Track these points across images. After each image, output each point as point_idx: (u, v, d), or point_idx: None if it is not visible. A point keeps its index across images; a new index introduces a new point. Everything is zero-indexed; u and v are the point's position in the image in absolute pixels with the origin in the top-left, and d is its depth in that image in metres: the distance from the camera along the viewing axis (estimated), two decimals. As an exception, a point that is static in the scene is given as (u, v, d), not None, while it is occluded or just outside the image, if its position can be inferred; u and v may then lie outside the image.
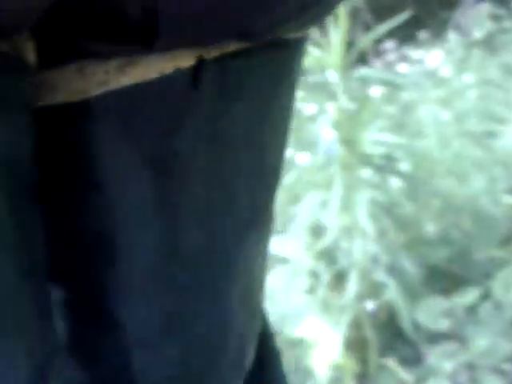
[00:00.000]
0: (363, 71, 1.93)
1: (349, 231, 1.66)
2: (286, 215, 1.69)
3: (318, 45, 1.70)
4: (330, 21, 1.65)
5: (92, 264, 0.49)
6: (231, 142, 0.50)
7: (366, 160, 1.77)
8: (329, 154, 1.67)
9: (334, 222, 1.62)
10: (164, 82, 0.47)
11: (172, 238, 0.49)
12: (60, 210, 0.49)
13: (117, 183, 0.48)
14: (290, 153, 1.70)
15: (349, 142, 1.72)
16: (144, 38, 0.44)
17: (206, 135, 0.49)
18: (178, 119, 0.48)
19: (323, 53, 1.71)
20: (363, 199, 1.65)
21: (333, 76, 1.72)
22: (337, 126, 1.70)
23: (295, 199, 1.70)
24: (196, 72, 0.47)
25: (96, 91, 0.46)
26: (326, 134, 1.67)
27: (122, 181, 0.48)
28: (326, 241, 1.61)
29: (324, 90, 1.74)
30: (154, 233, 0.49)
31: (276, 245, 1.53)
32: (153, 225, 0.49)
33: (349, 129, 1.73)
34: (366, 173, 1.80)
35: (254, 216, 0.53)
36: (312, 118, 1.83)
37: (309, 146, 1.74)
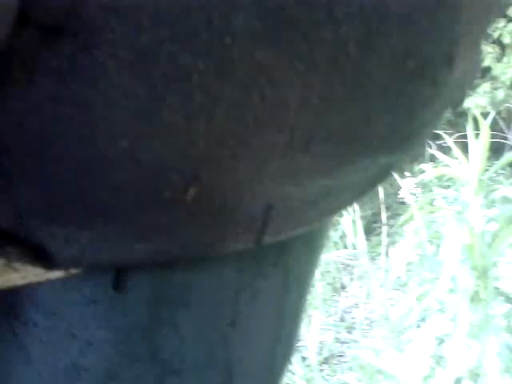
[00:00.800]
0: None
1: (473, 372, 1.63)
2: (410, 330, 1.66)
3: (454, 156, 1.66)
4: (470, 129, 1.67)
5: None
6: (173, 363, 0.41)
7: (500, 294, 1.57)
8: (457, 281, 1.71)
9: (456, 356, 1.56)
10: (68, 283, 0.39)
11: None
12: None
13: None
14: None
15: (481, 271, 1.65)
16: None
17: (132, 347, 0.40)
18: (85, 332, 0.40)
19: (460, 165, 1.66)
20: (493, 339, 1.54)
21: (468, 193, 1.66)
22: (468, 249, 1.67)
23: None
24: (117, 275, 0.39)
25: None
26: (455, 256, 1.69)
27: None
28: (446, 377, 1.56)
29: (459, 214, 1.63)
30: None
31: (390, 359, 1.62)
32: None
33: (482, 255, 1.64)
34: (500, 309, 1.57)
35: None
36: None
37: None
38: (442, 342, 1.65)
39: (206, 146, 0.35)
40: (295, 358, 2.04)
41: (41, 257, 0.37)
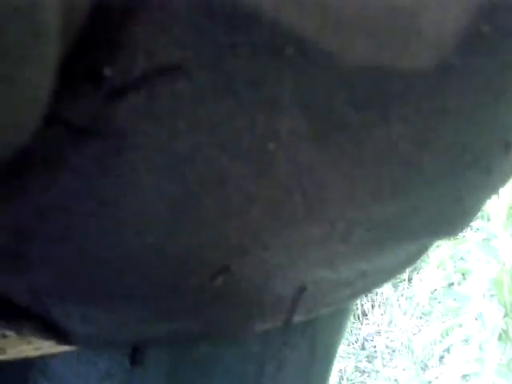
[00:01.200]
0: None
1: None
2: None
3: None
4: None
5: None
6: None
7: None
8: (483, 317, 1.64)
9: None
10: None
11: None
12: None
13: None
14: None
15: (510, 308, 1.58)
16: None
17: None
18: None
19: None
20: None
21: (497, 226, 1.59)
22: (496, 285, 1.59)
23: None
24: (134, 350, 0.38)
25: None
26: (482, 291, 1.63)
27: None
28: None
29: (485, 243, 1.56)
30: None
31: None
32: None
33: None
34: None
35: None
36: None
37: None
38: (466, 378, 1.58)
39: (239, 239, 0.33)
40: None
41: (55, 333, 0.36)
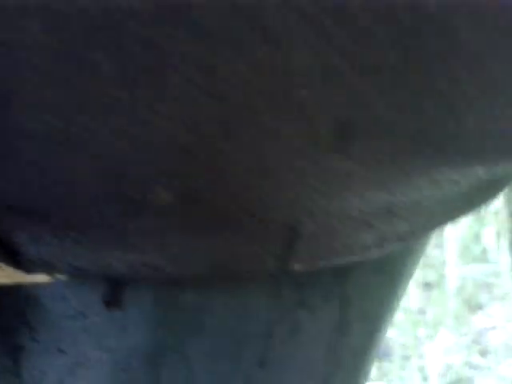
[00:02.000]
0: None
1: None
2: None
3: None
4: None
5: None
6: None
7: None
8: None
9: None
10: None
11: None
12: None
13: None
14: None
15: None
16: None
17: (130, 373, 0.35)
18: None
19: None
20: None
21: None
22: None
23: None
24: (110, 289, 0.34)
25: None
26: None
27: None
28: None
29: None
30: None
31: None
32: None
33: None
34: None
35: None
36: None
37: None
38: None
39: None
40: (415, 377, 1.86)
41: (5, 252, 0.33)
